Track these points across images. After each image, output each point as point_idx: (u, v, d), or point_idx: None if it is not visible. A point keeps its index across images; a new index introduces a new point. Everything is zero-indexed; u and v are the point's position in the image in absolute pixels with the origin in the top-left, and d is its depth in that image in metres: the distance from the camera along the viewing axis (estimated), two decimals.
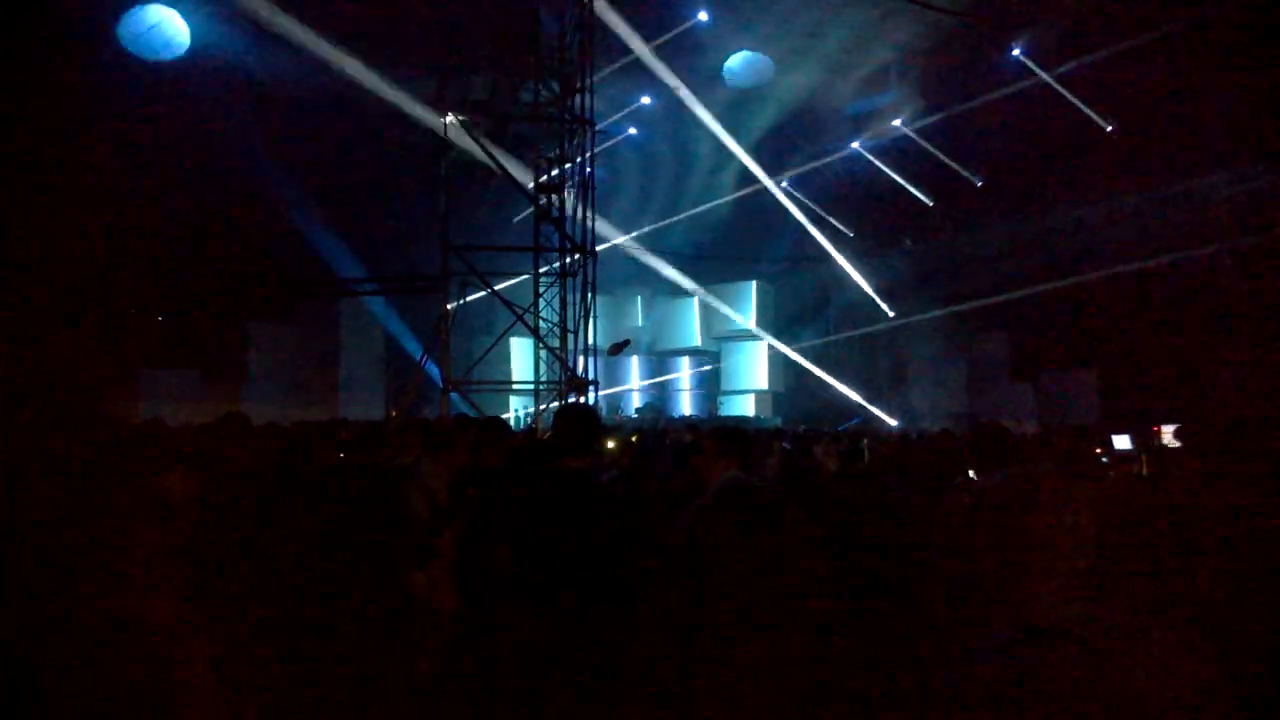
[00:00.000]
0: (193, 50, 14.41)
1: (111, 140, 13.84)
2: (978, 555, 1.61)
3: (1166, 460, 5.28)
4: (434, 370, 14.44)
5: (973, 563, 1.59)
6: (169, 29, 14.02)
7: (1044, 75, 16.66)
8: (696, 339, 25.45)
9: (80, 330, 13.53)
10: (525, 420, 14.14)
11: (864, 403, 22.41)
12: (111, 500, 2.74)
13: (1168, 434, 10.84)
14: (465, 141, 14.30)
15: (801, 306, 24.86)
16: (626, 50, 16.31)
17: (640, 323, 25.30)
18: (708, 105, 18.11)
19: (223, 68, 14.57)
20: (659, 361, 25.72)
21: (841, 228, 22.71)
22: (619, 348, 17.32)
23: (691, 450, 4.34)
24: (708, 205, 21.22)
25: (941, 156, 19.58)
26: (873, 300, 22.52)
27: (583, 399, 13.83)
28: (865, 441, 7.26)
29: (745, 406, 24.42)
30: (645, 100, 18.78)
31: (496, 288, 14.58)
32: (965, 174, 20.03)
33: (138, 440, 4.58)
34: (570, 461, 3.38)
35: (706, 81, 17.68)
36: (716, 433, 4.00)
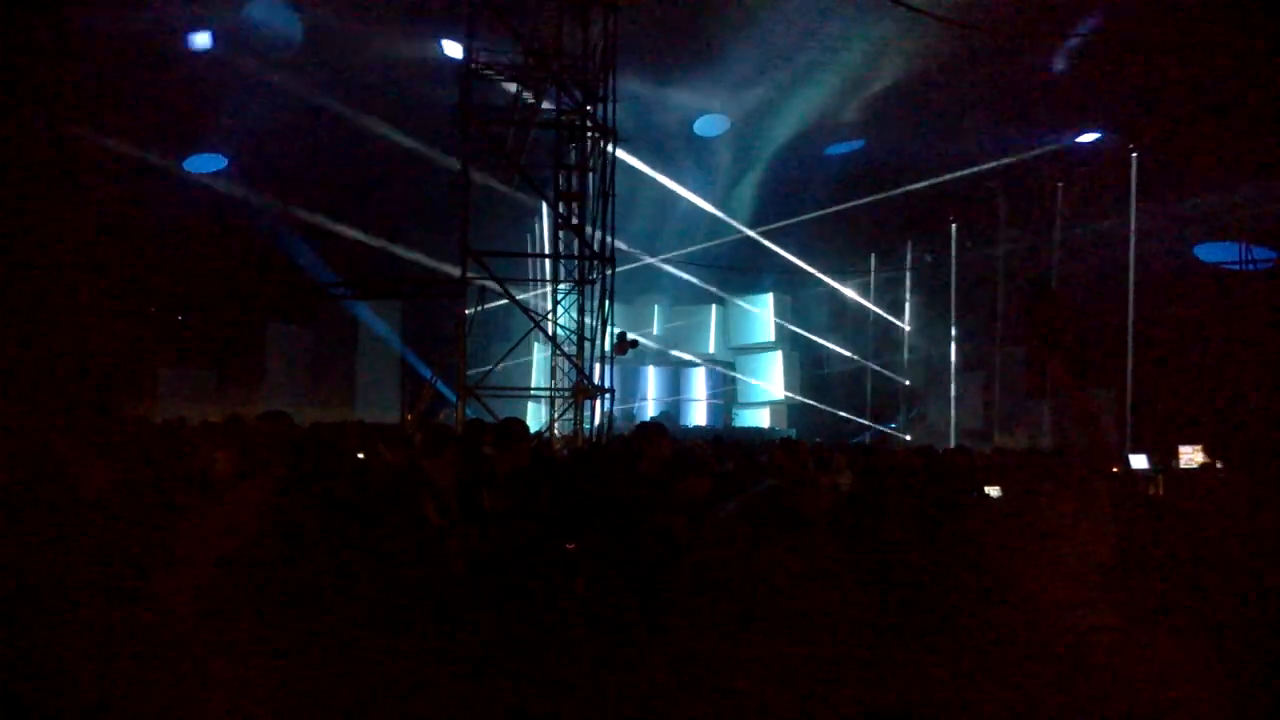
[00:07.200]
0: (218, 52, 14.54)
1: (134, 139, 13.96)
2: (990, 566, 1.60)
3: (1182, 482, 5.23)
4: (443, 387, 14.35)
5: (985, 572, 1.57)
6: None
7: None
8: (712, 349, 25.37)
9: (101, 328, 13.64)
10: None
11: (877, 418, 22.29)
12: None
13: (1186, 454, 10.66)
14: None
15: (819, 319, 24.75)
16: (650, 60, 16.31)
17: (657, 332, 25.23)
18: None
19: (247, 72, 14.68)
20: (675, 371, 25.65)
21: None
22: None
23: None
24: (726, 217, 21.18)
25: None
26: (891, 314, 22.39)
27: (596, 404, 13.84)
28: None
29: (760, 418, 24.32)
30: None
31: (515, 294, 14.59)
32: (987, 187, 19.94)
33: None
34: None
35: (730, 94, 17.64)
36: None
